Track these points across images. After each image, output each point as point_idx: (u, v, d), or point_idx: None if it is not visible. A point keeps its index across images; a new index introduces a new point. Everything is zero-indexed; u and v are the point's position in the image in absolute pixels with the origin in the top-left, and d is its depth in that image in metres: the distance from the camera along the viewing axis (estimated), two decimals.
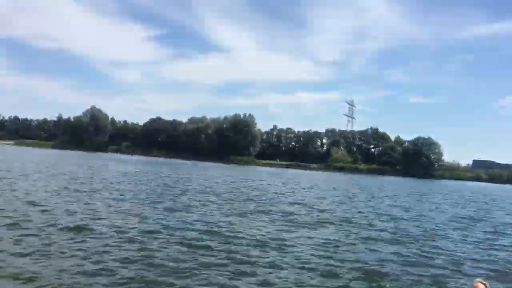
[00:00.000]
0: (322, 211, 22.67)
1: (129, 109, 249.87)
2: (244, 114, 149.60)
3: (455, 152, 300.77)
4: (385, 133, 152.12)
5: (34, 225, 13.08)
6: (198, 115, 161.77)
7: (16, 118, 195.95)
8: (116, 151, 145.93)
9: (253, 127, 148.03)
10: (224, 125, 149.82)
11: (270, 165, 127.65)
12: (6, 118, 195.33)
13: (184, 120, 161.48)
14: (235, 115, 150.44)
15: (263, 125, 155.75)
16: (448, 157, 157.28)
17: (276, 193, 31.96)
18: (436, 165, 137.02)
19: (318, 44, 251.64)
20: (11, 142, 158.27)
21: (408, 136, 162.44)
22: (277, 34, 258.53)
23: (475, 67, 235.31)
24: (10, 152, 73.45)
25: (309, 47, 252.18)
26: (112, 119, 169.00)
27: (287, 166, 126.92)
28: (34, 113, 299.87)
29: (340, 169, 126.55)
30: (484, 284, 5.06)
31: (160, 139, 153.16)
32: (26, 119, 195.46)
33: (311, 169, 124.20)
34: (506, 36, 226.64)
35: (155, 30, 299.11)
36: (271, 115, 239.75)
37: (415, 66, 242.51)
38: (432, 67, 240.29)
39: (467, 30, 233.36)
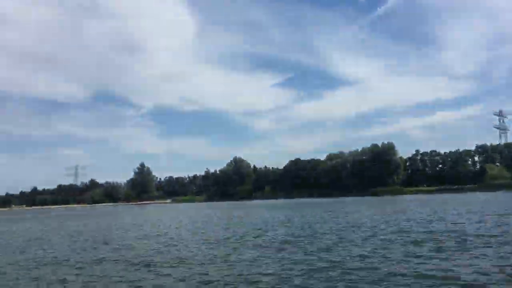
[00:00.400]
0: None
1: (267, 155, 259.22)
2: (383, 143, 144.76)
3: None
4: None
5: None
6: (335, 151, 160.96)
7: (170, 178, 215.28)
8: (260, 196, 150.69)
9: (394, 155, 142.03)
10: (364, 157, 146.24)
11: (418, 192, 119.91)
12: (162, 179, 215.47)
13: (322, 158, 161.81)
14: (373, 145, 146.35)
15: (404, 152, 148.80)
16: None
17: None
18: None
19: (450, 58, 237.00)
20: (169, 200, 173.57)
21: None
22: (404, 56, 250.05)
23: None
24: (181, 209, 79.64)
25: (440, 63, 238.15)
26: (254, 166, 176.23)
27: (438, 191, 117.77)
28: (184, 171, 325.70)
29: (498, 187, 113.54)
30: None
31: (301, 180, 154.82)
32: (179, 178, 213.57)
33: (465, 190, 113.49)
34: None
35: (283, 75, 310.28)
36: (411, 140, 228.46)
37: None
38: None
39: None
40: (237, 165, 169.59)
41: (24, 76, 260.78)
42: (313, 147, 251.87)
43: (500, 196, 72.38)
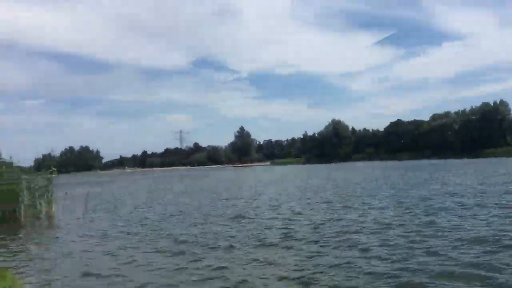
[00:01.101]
0: None
1: (367, 116, 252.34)
2: (494, 102, 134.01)
3: None
4: None
5: None
6: (439, 111, 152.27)
7: (269, 141, 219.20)
8: (360, 159, 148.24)
9: (507, 114, 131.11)
10: (473, 117, 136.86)
11: None
12: (261, 142, 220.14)
13: (425, 119, 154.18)
14: (483, 104, 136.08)
15: None
16: None
17: None
18: None
19: None
20: (268, 163, 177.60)
21: None
22: None
23: None
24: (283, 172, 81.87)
25: None
26: (352, 129, 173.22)
27: None
28: (283, 134, 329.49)
29: None
30: None
31: (402, 142, 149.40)
32: (277, 141, 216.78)
33: None
34: None
35: (382, 33, 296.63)
36: None
37: None
38: None
39: None
40: (335, 127, 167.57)
41: (133, 45, 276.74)
42: (415, 108, 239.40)
43: None
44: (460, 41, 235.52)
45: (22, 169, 25.88)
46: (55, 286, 9.55)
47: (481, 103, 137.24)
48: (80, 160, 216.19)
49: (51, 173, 24.55)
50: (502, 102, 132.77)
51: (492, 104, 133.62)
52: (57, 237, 16.56)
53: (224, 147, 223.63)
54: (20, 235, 17.59)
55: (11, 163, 23.74)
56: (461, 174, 40.94)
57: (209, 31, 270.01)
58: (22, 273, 10.45)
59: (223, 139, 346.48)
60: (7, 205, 21.92)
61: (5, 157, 23.51)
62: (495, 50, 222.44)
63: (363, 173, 55.45)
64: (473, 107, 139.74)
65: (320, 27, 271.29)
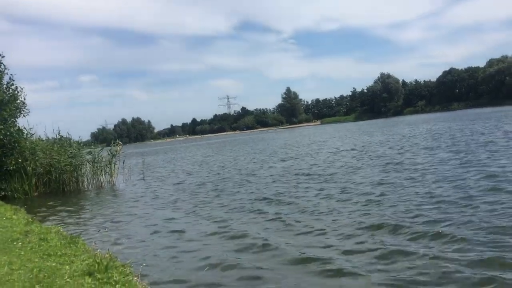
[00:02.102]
0: None
1: (417, 68, 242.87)
2: None
3: None
4: None
5: None
6: (497, 55, 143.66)
7: (317, 100, 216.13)
8: (413, 112, 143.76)
9: None
10: None
11: None
12: (309, 102, 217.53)
13: (481, 65, 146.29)
14: None
15: None
16: None
17: None
18: None
19: None
20: (318, 122, 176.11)
21: None
22: None
23: None
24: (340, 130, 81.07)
25: None
26: (403, 82, 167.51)
27: None
28: (332, 93, 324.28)
29: None
30: None
31: (457, 91, 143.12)
32: (325, 99, 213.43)
33: None
34: None
35: None
36: None
37: None
38: None
39: None
40: (385, 81, 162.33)
41: (175, 15, 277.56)
42: (470, 55, 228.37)
43: None
44: None
45: (83, 143, 27.00)
46: (126, 250, 9.82)
47: None
48: (133, 131, 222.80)
49: (117, 145, 25.52)
50: None
51: None
52: (120, 204, 17.28)
53: (271, 110, 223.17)
54: (86, 204, 18.40)
55: (69, 139, 24.82)
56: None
57: None
58: (91, 239, 10.85)
59: (271, 101, 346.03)
60: (71, 177, 23.01)
61: (63, 133, 24.55)
62: None
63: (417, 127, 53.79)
64: None
65: None
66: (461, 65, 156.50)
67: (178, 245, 9.86)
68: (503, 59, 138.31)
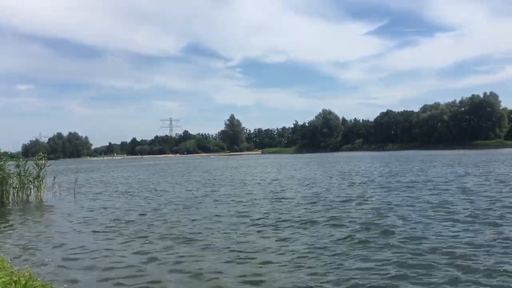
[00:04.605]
0: None
1: (358, 107, 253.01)
2: (485, 93, 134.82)
3: None
4: None
5: None
6: (430, 102, 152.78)
7: (260, 130, 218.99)
8: (351, 149, 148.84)
9: (498, 106, 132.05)
10: (462, 109, 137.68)
11: None
12: (252, 131, 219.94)
13: (416, 109, 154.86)
14: (473, 96, 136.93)
15: (508, 103, 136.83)
16: None
17: None
18: None
19: None
20: (259, 151, 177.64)
21: None
22: None
23: None
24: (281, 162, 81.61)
25: None
26: (343, 119, 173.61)
27: None
28: (273, 123, 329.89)
29: None
30: None
31: (393, 132, 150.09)
32: (268, 130, 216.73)
33: None
34: None
35: (374, 23, 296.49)
36: None
37: None
38: None
39: None
40: (326, 117, 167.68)
41: (124, 31, 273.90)
42: (406, 98, 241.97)
43: None
44: (452, 32, 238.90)
45: (10, 155, 25.39)
46: (46, 268, 9.22)
47: (471, 95, 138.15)
48: (68, 146, 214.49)
49: (41, 159, 24.06)
50: (492, 94, 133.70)
51: (482, 96, 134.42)
52: (46, 220, 16.34)
53: (213, 135, 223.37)
54: (9, 219, 17.18)
55: None
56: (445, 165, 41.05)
57: (201, 17, 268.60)
58: (9, 255, 10.08)
59: (214, 127, 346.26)
60: None
61: None
62: (487, 42, 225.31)
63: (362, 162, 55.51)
64: (463, 98, 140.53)
65: (312, 15, 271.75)
66: (397, 108, 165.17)
67: (100, 266, 9.38)
68: (436, 105, 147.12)
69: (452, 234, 10.90)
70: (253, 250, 10.22)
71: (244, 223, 13.70)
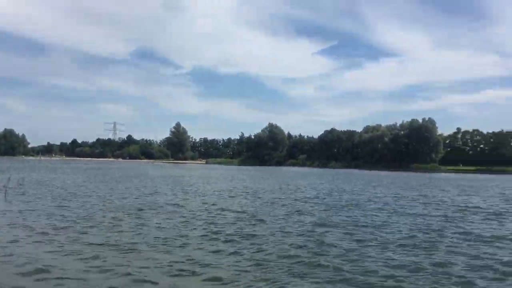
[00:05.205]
0: None
1: (303, 123, 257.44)
2: (423, 119, 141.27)
3: None
4: None
5: None
6: (373, 123, 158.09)
7: (205, 139, 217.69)
8: (294, 164, 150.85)
9: (435, 131, 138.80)
10: (402, 132, 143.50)
11: (455, 171, 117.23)
12: (197, 140, 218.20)
13: (359, 129, 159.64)
14: (412, 120, 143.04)
15: (445, 129, 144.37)
16: None
17: None
18: None
19: (503, 34, 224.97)
20: (203, 161, 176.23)
21: None
22: (453, 30, 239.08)
23: None
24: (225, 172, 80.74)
25: (493, 39, 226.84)
26: (288, 134, 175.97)
27: (476, 171, 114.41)
28: (220, 134, 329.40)
29: None
30: None
31: (336, 150, 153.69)
32: (213, 140, 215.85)
33: (508, 172, 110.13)
34: None
35: (325, 43, 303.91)
36: (454, 117, 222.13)
37: None
38: None
39: None
40: (272, 131, 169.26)
41: (71, 29, 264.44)
42: (351, 118, 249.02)
43: None
44: (396, 58, 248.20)
45: None
46: None
47: (411, 119, 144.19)
48: (3, 143, 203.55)
49: None
50: (430, 120, 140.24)
51: (421, 121, 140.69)
52: None
53: (158, 142, 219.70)
54: None
55: None
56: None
57: (153, 23, 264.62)
58: None
59: (159, 134, 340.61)
60: None
61: None
62: (428, 70, 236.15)
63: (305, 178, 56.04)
64: (404, 122, 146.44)
65: (265, 30, 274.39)
66: (343, 127, 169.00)
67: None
68: (378, 127, 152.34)
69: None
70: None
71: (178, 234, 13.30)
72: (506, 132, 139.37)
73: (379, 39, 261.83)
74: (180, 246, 11.95)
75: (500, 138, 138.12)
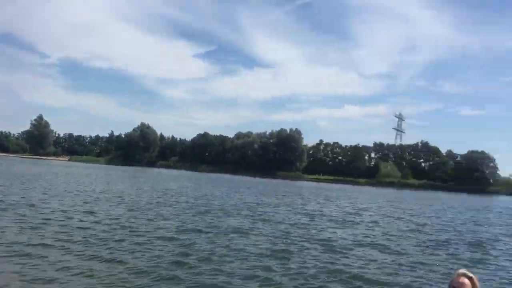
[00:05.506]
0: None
1: (177, 125, 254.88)
2: (291, 129, 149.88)
3: None
4: (436, 147, 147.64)
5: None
6: (245, 130, 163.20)
7: (70, 135, 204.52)
8: (165, 166, 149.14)
9: (300, 142, 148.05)
10: (271, 140, 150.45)
11: (317, 180, 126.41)
12: (62, 135, 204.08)
13: (231, 135, 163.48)
14: (281, 130, 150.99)
15: (310, 139, 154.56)
16: (505, 171, 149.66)
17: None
18: (491, 180, 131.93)
19: (365, 56, 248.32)
20: (67, 158, 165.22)
21: (460, 150, 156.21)
22: (323, 47, 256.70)
23: None
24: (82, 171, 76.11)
25: (356, 60, 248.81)
26: (161, 135, 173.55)
27: (334, 181, 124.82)
28: (87, 130, 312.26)
29: (390, 184, 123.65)
30: (471, 277, 3.64)
31: (207, 154, 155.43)
32: (80, 136, 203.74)
33: (359, 184, 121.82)
34: None
35: (203, 47, 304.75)
36: (319, 129, 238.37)
37: (466, 78, 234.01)
38: (484, 78, 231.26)
39: None
40: (144, 131, 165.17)
41: None
42: (224, 124, 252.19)
43: (383, 191, 78.66)
44: (270, 69, 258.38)
45: None
46: None
47: (279, 129, 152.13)
48: None
49: None
50: (296, 130, 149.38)
51: (288, 131, 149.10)
52: None
53: (16, 135, 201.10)
54: None
55: None
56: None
57: (18, 5, 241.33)
58: None
59: (18, 126, 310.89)
60: None
61: None
62: (299, 83, 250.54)
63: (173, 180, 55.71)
64: (273, 131, 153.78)
65: (143, 28, 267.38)
66: (215, 131, 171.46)
67: None
68: (248, 134, 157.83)
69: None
70: None
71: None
72: (362, 146, 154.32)
73: (255, 49, 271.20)
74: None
75: (356, 152, 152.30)
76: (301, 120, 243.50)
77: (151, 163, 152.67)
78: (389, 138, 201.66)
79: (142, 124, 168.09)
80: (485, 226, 27.89)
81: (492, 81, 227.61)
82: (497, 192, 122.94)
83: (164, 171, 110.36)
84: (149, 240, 14.03)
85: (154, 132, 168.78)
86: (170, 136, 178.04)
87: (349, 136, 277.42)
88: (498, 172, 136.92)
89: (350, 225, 22.68)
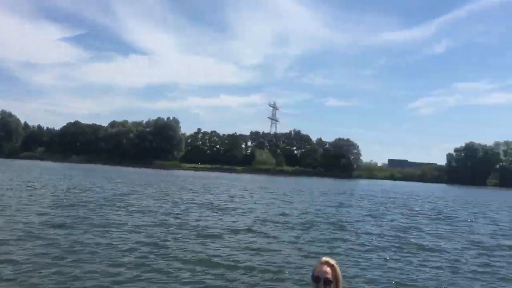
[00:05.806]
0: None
1: (43, 113, 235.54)
2: (168, 118, 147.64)
3: (372, 152, 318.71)
4: (307, 136, 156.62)
5: None
6: (120, 119, 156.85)
7: None
8: (31, 157, 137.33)
9: (178, 130, 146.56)
10: (147, 129, 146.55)
11: (195, 169, 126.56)
12: None
13: (105, 124, 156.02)
14: (158, 118, 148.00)
15: (187, 128, 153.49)
16: (366, 157, 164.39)
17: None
18: (354, 166, 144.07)
19: (241, 47, 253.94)
20: None
21: (329, 138, 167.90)
22: (200, 37, 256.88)
23: (389, 71, 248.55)
24: None
25: (232, 50, 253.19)
26: (25, 124, 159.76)
27: (212, 169, 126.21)
28: None
29: (265, 171, 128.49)
30: (332, 265, 3.68)
31: (78, 144, 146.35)
32: None
33: (236, 171, 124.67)
34: (416, 42, 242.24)
35: (72, 31, 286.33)
36: (196, 118, 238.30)
37: (334, 70, 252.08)
38: (350, 71, 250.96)
39: (382, 36, 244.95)
40: (5, 119, 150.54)
41: None
42: (97, 112, 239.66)
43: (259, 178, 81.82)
44: (146, 57, 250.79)
45: None
46: None
47: (156, 117, 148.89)
48: None
49: None
50: (174, 119, 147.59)
51: (165, 120, 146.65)
52: None
53: None
54: None
55: None
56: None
57: None
58: None
59: None
60: None
61: None
62: (175, 71, 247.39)
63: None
64: (150, 119, 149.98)
65: (3, 5, 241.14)
66: (87, 120, 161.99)
67: None
68: (124, 123, 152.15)
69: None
70: None
71: None
72: (239, 135, 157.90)
73: (131, 36, 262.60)
74: None
75: (233, 140, 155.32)
76: (180, 109, 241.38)
77: (15, 154, 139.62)
78: (264, 127, 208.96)
79: (3, 112, 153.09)
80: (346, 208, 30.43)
81: (355, 74, 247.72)
82: (360, 176, 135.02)
83: (28, 162, 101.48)
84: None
85: (17, 120, 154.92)
86: (36, 125, 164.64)
87: (226, 125, 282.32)
88: (361, 158, 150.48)
89: (223, 213, 23.11)
